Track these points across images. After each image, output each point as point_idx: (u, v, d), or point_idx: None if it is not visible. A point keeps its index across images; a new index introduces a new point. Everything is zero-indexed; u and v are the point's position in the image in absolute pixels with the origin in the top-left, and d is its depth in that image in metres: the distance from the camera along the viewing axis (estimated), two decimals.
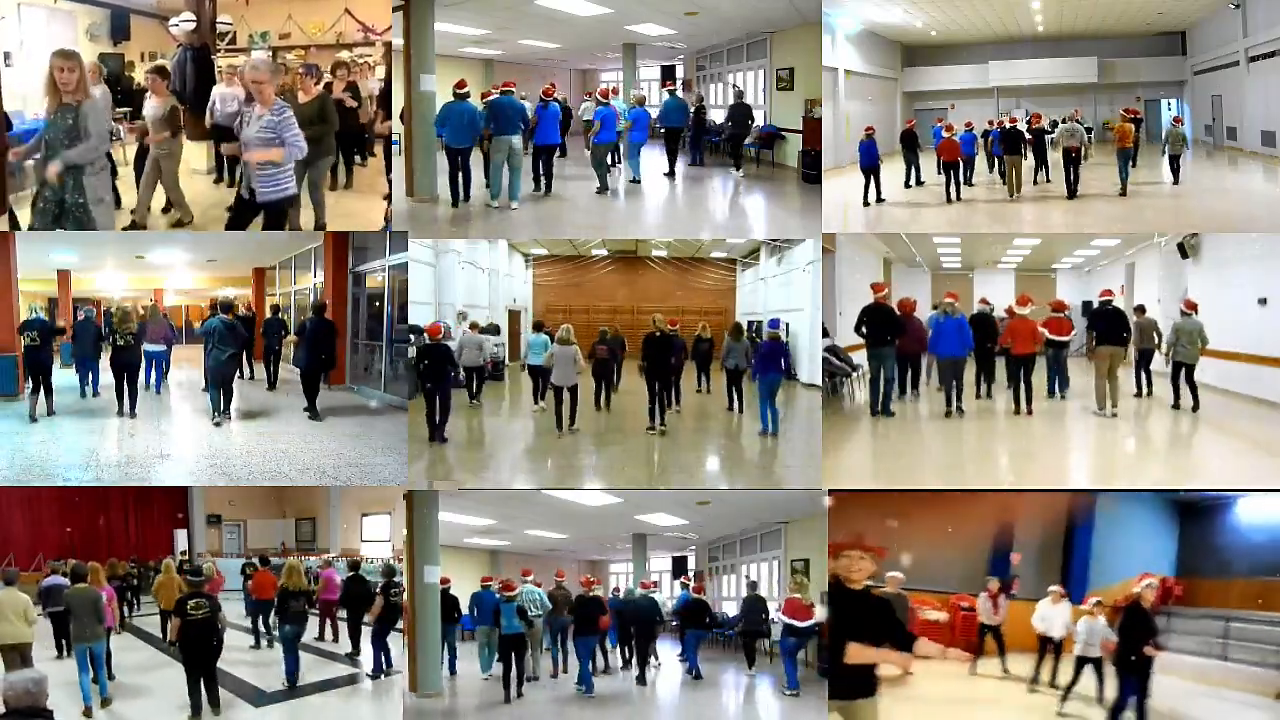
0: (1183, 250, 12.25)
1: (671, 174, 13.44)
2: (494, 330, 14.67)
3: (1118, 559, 11.06)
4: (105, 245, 13.06)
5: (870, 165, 12.53)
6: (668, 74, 17.51)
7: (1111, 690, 7.90)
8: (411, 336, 12.04)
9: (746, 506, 12.59)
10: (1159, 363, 11.33)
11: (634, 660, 11.38)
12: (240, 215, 7.90)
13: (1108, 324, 11.09)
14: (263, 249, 15.22)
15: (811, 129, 13.13)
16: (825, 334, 11.61)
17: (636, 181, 12.90)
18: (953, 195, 13.08)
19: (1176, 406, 10.78)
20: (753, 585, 12.65)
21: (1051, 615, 9.59)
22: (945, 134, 13.61)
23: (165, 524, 15.73)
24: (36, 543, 13.95)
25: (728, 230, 13.05)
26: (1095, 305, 11.48)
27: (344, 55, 12.60)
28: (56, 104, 7.30)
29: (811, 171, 12.66)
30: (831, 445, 9.67)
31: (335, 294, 13.37)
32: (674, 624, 12.86)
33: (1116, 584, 10.73)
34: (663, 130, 13.71)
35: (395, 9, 10.99)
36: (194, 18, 11.51)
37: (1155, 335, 11.38)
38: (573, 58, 18.15)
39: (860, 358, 12.44)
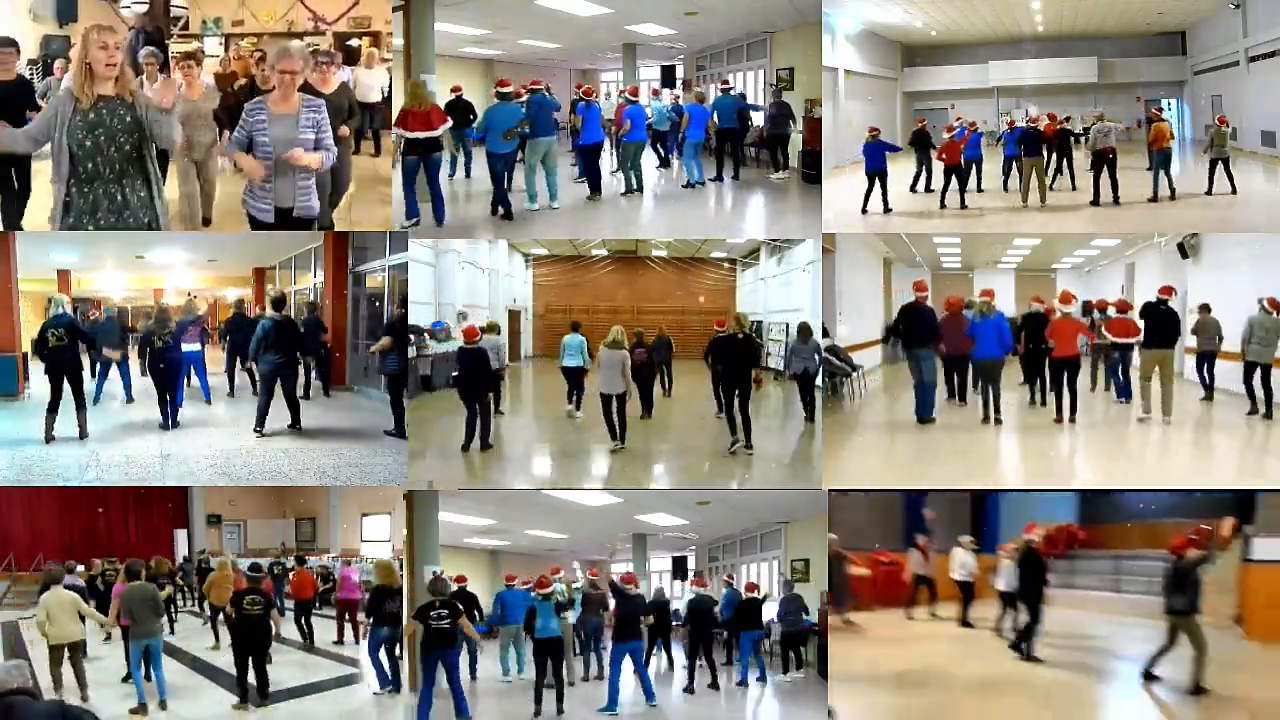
0: (1183, 250, 12.23)
1: (735, 176, 12.92)
2: (494, 330, 14.63)
3: (1024, 510, 12.04)
4: (105, 245, 13.03)
5: (877, 169, 11.68)
6: (668, 74, 17.44)
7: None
8: (411, 337, 12.02)
9: (746, 506, 12.59)
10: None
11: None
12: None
13: (1158, 325, 10.32)
14: (263, 249, 15.20)
15: (811, 129, 13.10)
16: (825, 334, 11.58)
17: (701, 183, 12.54)
18: (947, 201, 12.39)
19: (1254, 412, 10.22)
20: (789, 584, 11.96)
21: (968, 562, 11.20)
22: (946, 134, 12.94)
23: (165, 524, 15.70)
24: (36, 543, 13.91)
25: (727, 230, 13.04)
26: (1151, 302, 10.59)
27: (319, 45, 12.64)
28: (94, 92, 6.21)
29: (811, 171, 12.62)
30: (832, 445, 9.67)
31: (335, 294, 13.39)
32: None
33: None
34: (716, 131, 13.01)
35: (395, 9, 10.98)
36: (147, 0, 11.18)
37: (1218, 337, 10.93)
38: (573, 58, 18.14)
39: (861, 358, 12.46)
